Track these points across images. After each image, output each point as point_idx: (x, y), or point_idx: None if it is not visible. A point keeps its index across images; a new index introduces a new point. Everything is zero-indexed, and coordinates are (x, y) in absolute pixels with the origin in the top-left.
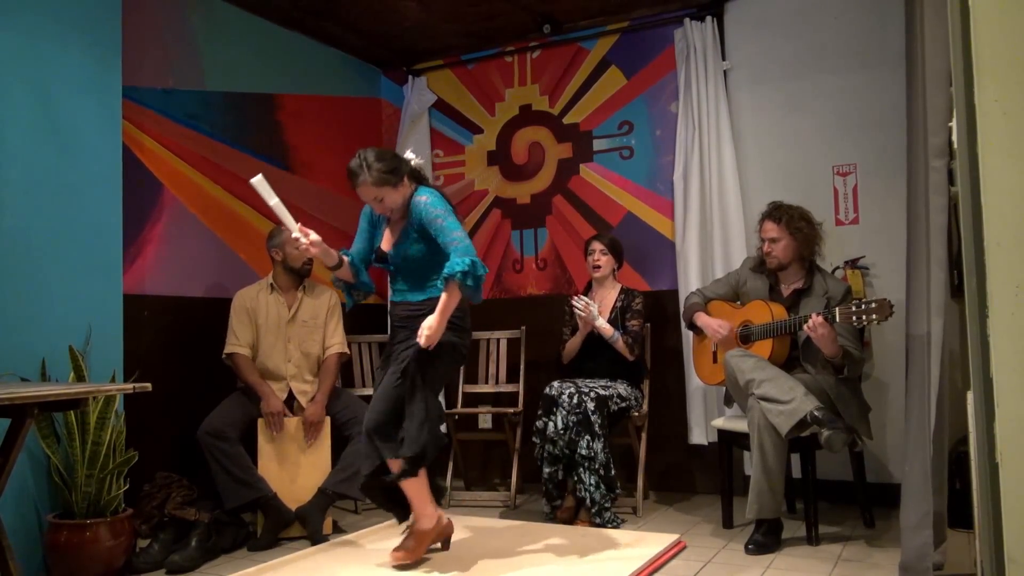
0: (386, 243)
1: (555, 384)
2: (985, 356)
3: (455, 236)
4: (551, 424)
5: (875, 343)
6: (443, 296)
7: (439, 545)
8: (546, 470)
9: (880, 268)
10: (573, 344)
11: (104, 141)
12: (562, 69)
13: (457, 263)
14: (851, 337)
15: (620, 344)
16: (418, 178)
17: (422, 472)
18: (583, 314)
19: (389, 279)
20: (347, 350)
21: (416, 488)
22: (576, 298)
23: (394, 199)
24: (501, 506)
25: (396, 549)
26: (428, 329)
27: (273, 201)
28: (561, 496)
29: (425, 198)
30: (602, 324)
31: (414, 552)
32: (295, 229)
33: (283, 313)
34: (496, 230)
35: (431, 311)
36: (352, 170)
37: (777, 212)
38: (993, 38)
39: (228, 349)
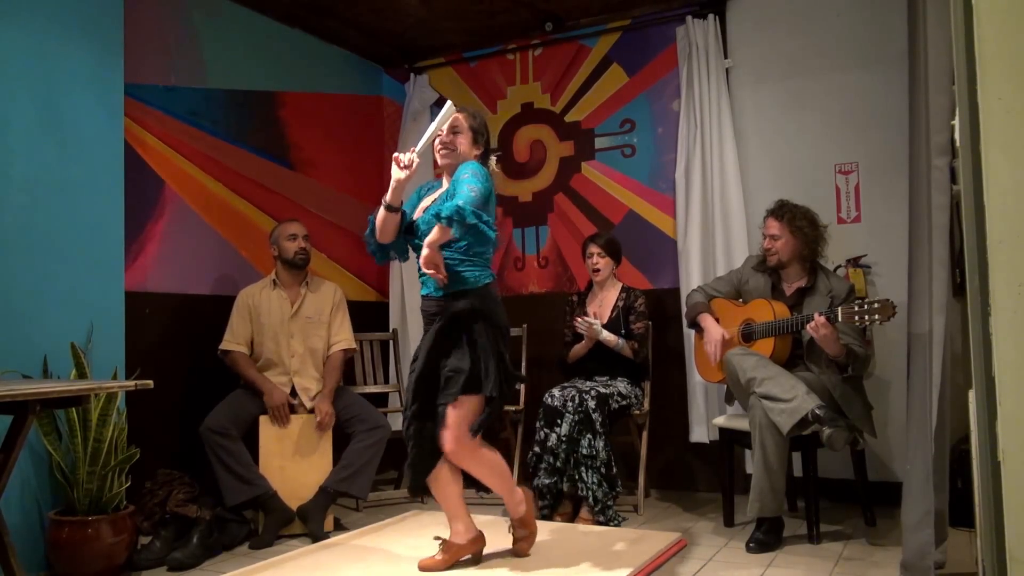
0: (419, 213)
1: (555, 393)
2: (987, 354)
3: (468, 190)
4: (553, 436)
5: (877, 341)
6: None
7: (469, 557)
8: (545, 481)
9: (882, 266)
10: (578, 351)
11: (106, 138)
12: (564, 67)
13: (448, 206)
14: (855, 335)
15: (627, 351)
16: (483, 160)
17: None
18: (587, 333)
19: (418, 270)
20: (354, 345)
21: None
22: (578, 320)
23: (464, 148)
24: (502, 503)
25: (427, 558)
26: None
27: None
28: (556, 505)
29: (474, 167)
30: (607, 336)
31: (444, 562)
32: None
33: (286, 309)
34: (497, 228)
35: (450, 311)
36: (452, 102)
37: (781, 210)
38: (996, 36)
39: (224, 346)
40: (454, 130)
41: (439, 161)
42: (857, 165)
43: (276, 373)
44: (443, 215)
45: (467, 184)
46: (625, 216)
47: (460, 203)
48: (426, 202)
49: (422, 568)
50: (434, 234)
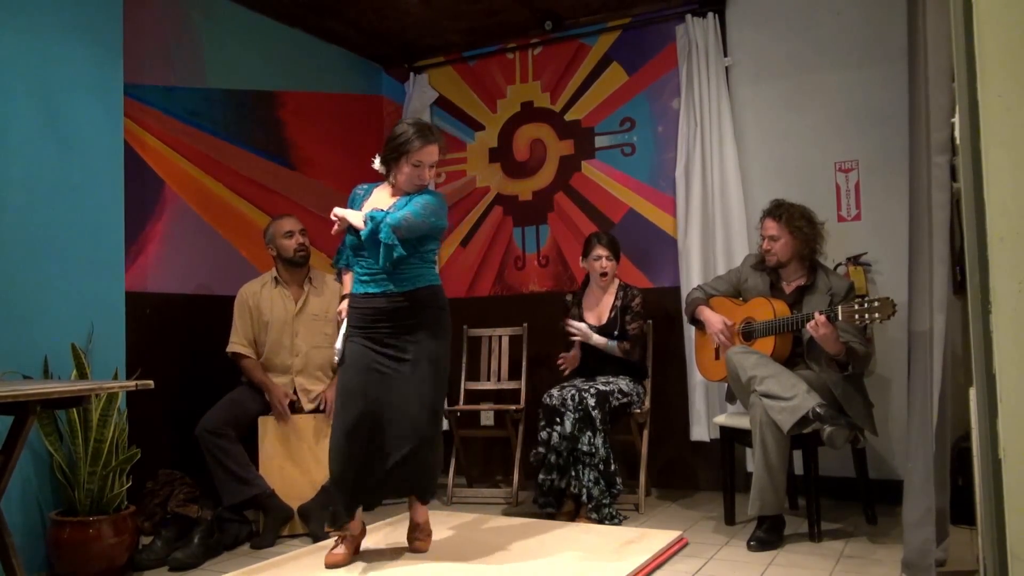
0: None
1: (554, 393)
2: (988, 352)
3: (419, 211)
4: (555, 435)
5: (877, 339)
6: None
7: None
8: (541, 476)
9: (882, 264)
10: (573, 354)
11: (106, 139)
12: (564, 66)
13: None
14: (855, 332)
15: (617, 351)
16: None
17: None
18: (579, 338)
19: (357, 267)
20: None
21: None
22: (569, 324)
23: (433, 174)
24: (503, 503)
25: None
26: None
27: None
28: (557, 502)
29: (437, 204)
30: (597, 340)
31: (348, 555)
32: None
33: (289, 307)
34: (498, 227)
35: (417, 303)
36: (430, 127)
37: (777, 210)
38: (996, 33)
39: (231, 348)
40: (431, 166)
41: (409, 189)
42: (857, 163)
43: (278, 373)
44: (389, 221)
45: (423, 205)
46: (625, 215)
47: (380, 221)
48: (381, 204)
49: (329, 565)
50: (354, 219)
